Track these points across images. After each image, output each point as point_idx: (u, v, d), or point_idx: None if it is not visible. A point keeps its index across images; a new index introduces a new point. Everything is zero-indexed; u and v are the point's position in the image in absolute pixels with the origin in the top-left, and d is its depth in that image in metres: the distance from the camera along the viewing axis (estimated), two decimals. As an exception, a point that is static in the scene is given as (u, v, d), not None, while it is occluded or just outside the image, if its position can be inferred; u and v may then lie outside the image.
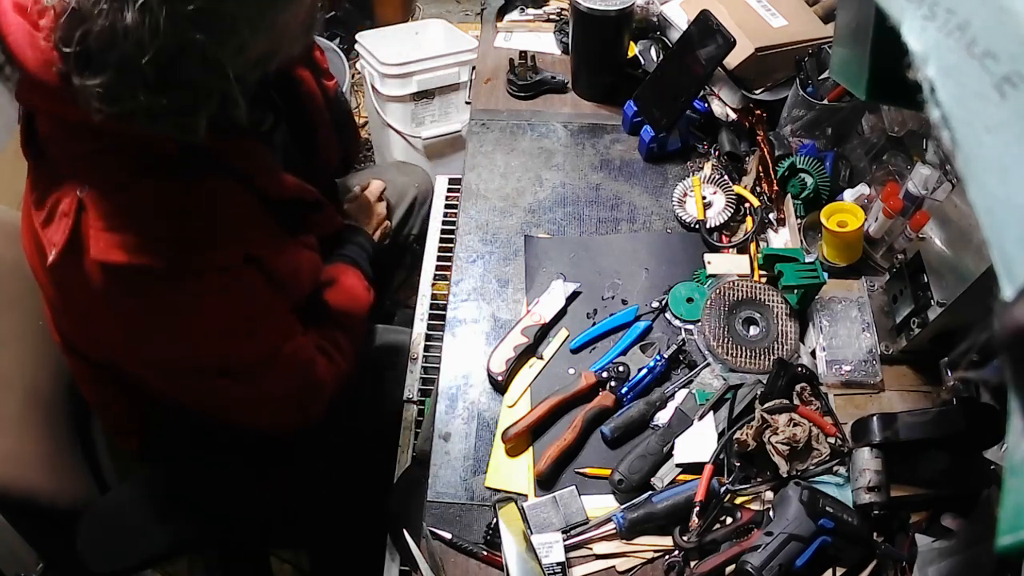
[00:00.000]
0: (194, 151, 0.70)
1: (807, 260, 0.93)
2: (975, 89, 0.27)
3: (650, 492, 0.81)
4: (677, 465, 0.83)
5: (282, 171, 0.84)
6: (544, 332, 0.94)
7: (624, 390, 0.88)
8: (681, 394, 0.89)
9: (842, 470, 0.81)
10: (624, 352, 0.92)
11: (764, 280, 0.97)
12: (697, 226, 1.05)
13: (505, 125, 1.21)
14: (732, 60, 1.08)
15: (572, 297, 0.98)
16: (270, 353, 0.83)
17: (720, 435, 0.84)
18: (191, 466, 1.03)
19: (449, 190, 1.40)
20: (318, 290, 0.97)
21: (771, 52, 1.08)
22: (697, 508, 0.77)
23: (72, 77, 0.60)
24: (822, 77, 1.06)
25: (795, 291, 0.91)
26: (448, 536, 0.80)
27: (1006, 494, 0.26)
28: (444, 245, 1.35)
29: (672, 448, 0.84)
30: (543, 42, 1.35)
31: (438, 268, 1.27)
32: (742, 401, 0.87)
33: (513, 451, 0.86)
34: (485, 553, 0.79)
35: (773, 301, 0.94)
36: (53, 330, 0.92)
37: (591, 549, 0.79)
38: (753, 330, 0.93)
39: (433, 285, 1.25)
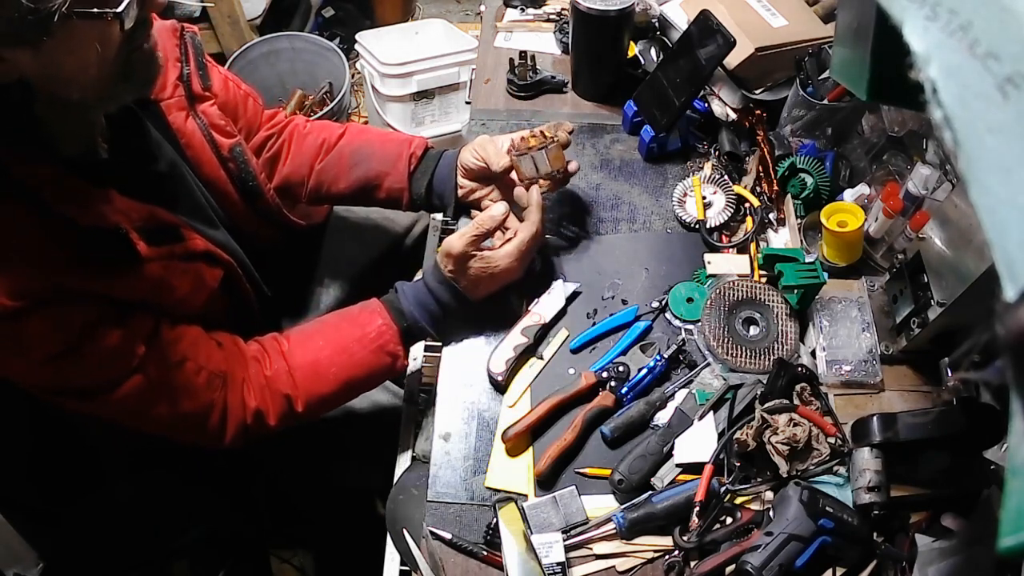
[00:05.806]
0: None
1: (807, 260, 0.93)
2: (977, 90, 0.27)
3: (650, 492, 0.81)
4: (677, 465, 0.83)
5: (102, 198, 0.74)
6: (544, 332, 0.94)
7: (624, 390, 0.88)
8: (681, 394, 0.89)
9: (842, 470, 0.81)
10: (624, 352, 0.92)
11: (764, 280, 0.97)
12: (697, 226, 1.05)
13: (505, 125, 1.21)
14: (732, 60, 1.08)
15: (572, 297, 0.98)
16: (118, 374, 0.76)
17: (720, 435, 0.84)
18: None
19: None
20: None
21: (771, 52, 1.08)
22: (697, 508, 0.77)
23: None
24: (822, 77, 1.06)
25: (795, 291, 0.91)
26: (448, 536, 0.80)
27: (1008, 496, 0.26)
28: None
29: (672, 448, 0.84)
30: (543, 42, 1.35)
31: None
32: (742, 401, 0.87)
33: (513, 451, 0.86)
34: (485, 553, 0.79)
35: (773, 301, 0.94)
36: None
37: (591, 549, 0.79)
38: (753, 330, 0.93)
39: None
